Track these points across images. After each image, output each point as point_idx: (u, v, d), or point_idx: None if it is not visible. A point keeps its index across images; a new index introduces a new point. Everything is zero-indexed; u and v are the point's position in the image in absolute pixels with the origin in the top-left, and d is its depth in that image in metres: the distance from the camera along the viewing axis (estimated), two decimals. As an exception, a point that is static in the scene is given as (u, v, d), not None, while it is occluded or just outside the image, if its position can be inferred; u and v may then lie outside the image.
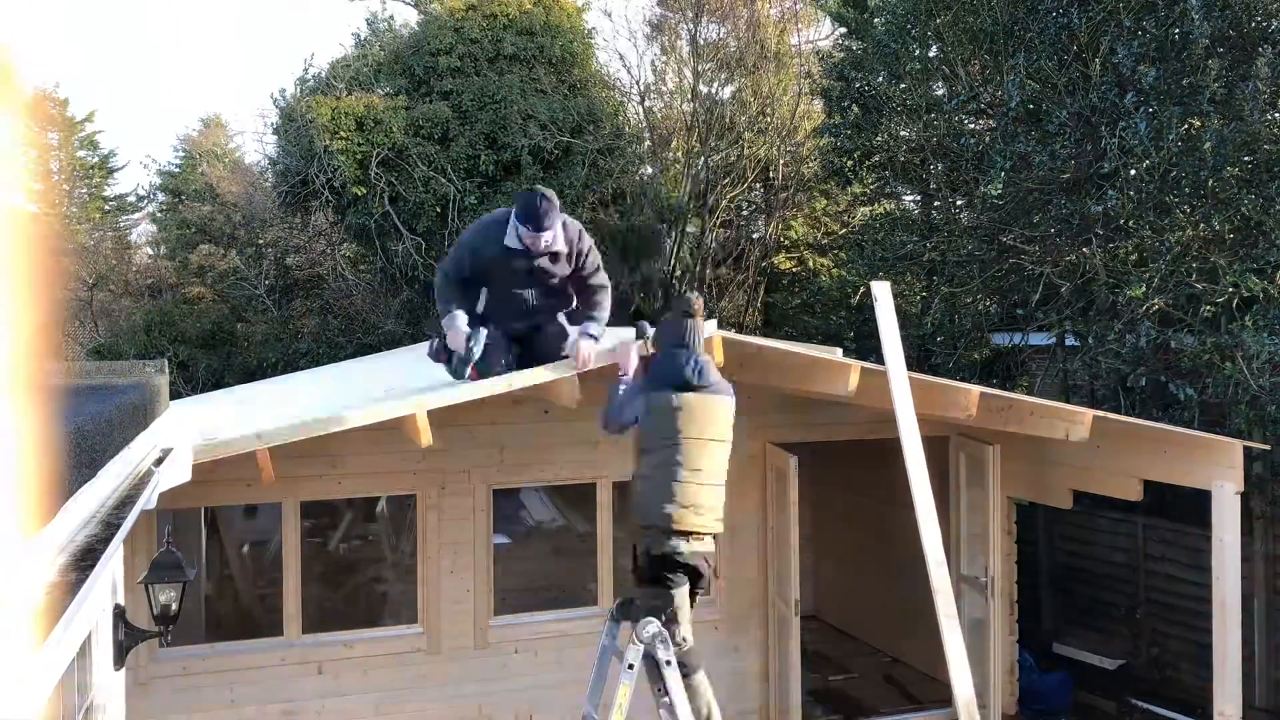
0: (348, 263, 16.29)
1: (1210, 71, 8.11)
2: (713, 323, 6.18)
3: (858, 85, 11.65)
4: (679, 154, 15.97)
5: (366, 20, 16.32)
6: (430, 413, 5.71)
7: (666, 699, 5.18)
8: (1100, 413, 6.79)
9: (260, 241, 18.66)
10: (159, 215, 28.04)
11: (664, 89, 16.79)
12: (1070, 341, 10.37)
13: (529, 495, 8.46)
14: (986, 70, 9.93)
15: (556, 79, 14.68)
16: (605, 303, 6.30)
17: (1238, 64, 8.48)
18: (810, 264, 15.86)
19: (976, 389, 6.59)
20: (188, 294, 18.62)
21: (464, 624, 7.41)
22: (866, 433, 8.31)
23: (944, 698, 8.74)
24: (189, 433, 5.30)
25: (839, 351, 7.03)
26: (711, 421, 5.53)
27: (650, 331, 5.98)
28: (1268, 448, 7.26)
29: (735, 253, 16.02)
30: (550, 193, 6.09)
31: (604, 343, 6.16)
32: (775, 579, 8.06)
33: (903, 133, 11.05)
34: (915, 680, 9.29)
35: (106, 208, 31.77)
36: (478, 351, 6.03)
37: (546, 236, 6.01)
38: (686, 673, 5.30)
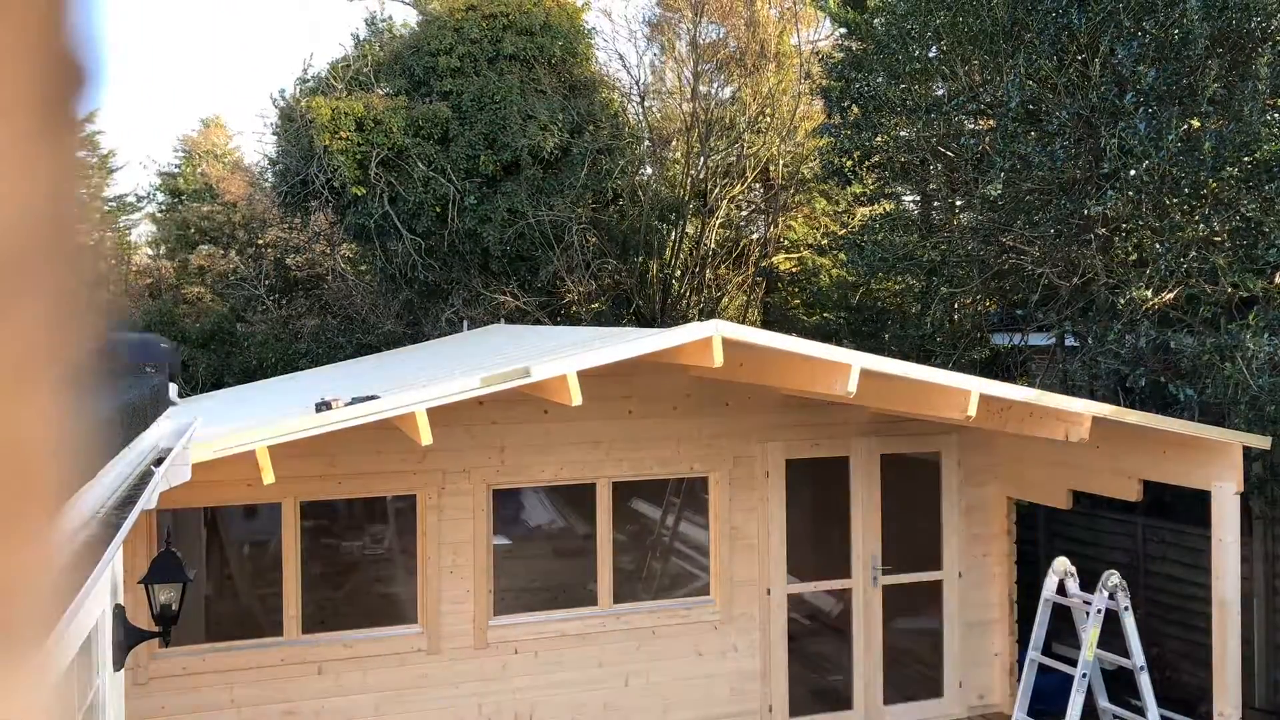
0: (347, 263, 16.29)
1: (1210, 71, 8.11)
2: (714, 322, 6.19)
3: (858, 85, 11.65)
4: (679, 154, 15.97)
5: (366, 20, 16.33)
6: (430, 411, 5.72)
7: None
8: (1099, 413, 6.78)
9: (260, 241, 18.67)
10: (159, 215, 28.02)
11: (663, 89, 16.80)
12: (1070, 341, 10.38)
13: (528, 498, 8.46)
14: (986, 70, 9.93)
15: (556, 79, 14.68)
16: None
17: (1237, 64, 8.49)
18: (810, 263, 15.86)
19: (976, 390, 6.59)
20: (187, 294, 18.62)
21: (464, 624, 7.42)
22: (866, 432, 8.33)
23: (938, 692, 8.76)
24: (189, 433, 5.30)
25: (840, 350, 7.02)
26: None
27: None
28: (1267, 447, 7.26)
29: (735, 253, 16.02)
30: None
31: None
32: (775, 578, 8.06)
33: (902, 133, 11.05)
34: (914, 677, 9.29)
35: (106, 208, 31.76)
36: None
37: None
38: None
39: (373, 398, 5.83)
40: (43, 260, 0.35)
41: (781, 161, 15.44)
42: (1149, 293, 8.53)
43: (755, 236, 16.46)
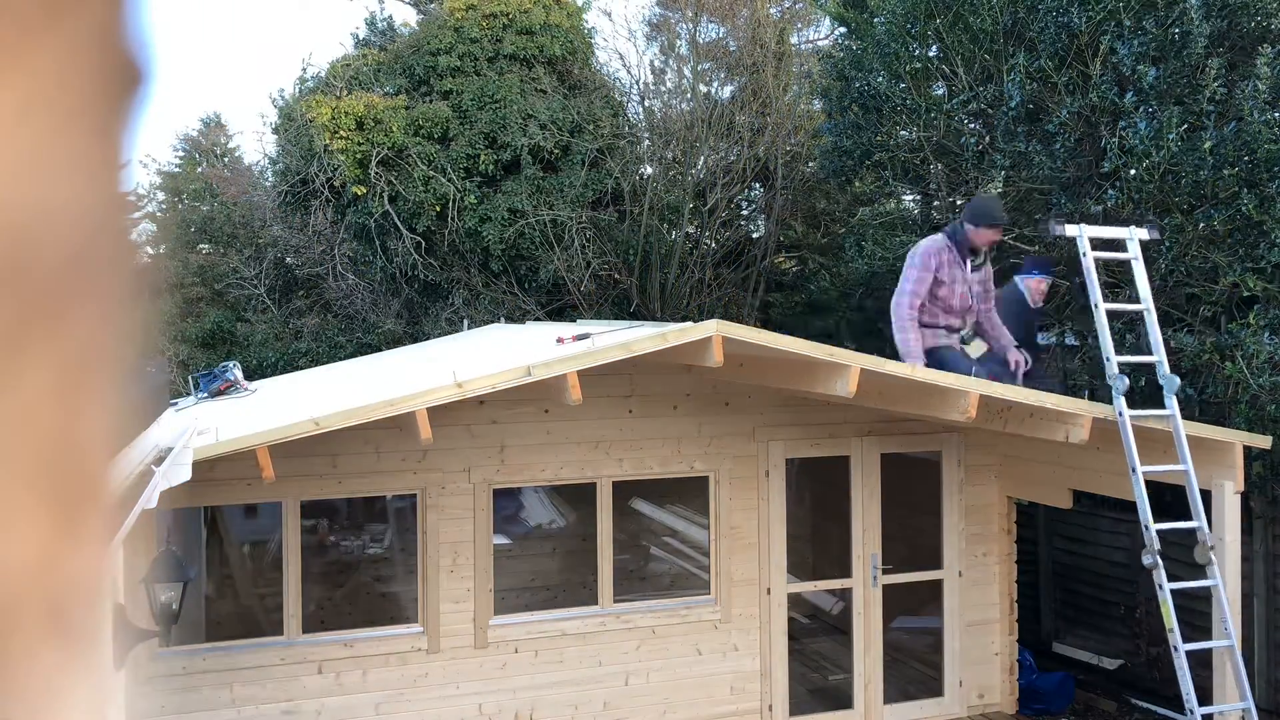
0: (348, 262, 16.29)
1: (1210, 71, 8.12)
2: (714, 322, 6.19)
3: (858, 85, 11.65)
4: (679, 154, 15.97)
5: (366, 20, 16.34)
6: (430, 411, 5.72)
7: None
8: (1099, 413, 6.78)
9: (260, 241, 18.66)
10: (159, 215, 28.02)
11: (664, 89, 16.79)
12: (1070, 341, 10.38)
13: (528, 497, 8.47)
14: (987, 70, 9.93)
15: (556, 79, 14.69)
16: None
17: (1237, 63, 8.49)
18: (810, 264, 15.86)
19: (976, 390, 6.59)
20: (188, 294, 18.61)
21: (464, 623, 7.42)
22: (866, 432, 8.33)
23: (939, 691, 8.76)
24: (189, 432, 5.30)
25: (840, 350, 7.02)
26: None
27: None
28: (1268, 447, 7.26)
29: (735, 252, 16.01)
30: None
31: None
32: (775, 577, 8.06)
33: (903, 133, 11.05)
34: (914, 677, 9.29)
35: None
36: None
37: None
38: None
39: (586, 336, 6.41)
40: (99, 260, 0.35)
41: (781, 161, 15.43)
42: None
43: (755, 236, 16.45)
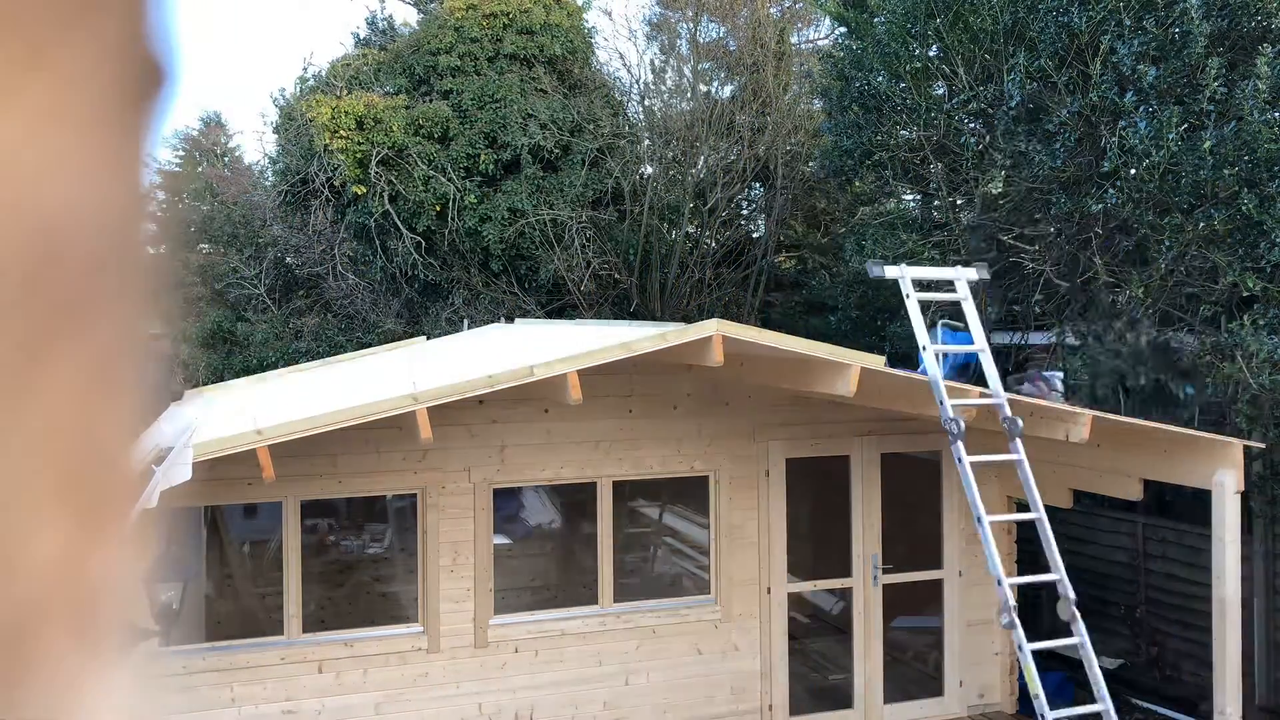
0: (348, 262, 16.29)
1: (1210, 70, 8.12)
2: (714, 322, 6.19)
3: (858, 85, 11.65)
4: (679, 153, 15.97)
5: (366, 20, 16.35)
6: (430, 411, 5.72)
7: None
8: (1100, 413, 6.78)
9: (260, 241, 18.66)
10: (158, 215, 27.98)
11: (664, 88, 16.79)
12: (1070, 341, 10.39)
13: (528, 497, 8.47)
14: (987, 69, 9.93)
15: (556, 78, 14.69)
16: None
17: (1237, 63, 8.49)
18: (810, 263, 15.86)
19: (976, 390, 6.60)
20: (188, 294, 18.60)
21: (464, 623, 7.42)
22: (866, 432, 8.33)
23: (939, 691, 8.77)
24: (189, 432, 5.30)
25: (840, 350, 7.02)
26: None
27: None
28: (1264, 447, 7.27)
29: (735, 252, 16.02)
30: None
31: None
32: (775, 577, 8.06)
33: (903, 132, 11.05)
34: (914, 677, 9.30)
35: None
36: None
37: None
38: None
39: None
40: (124, 261, 0.35)
41: (781, 161, 15.43)
42: (1149, 292, 8.54)
43: (755, 236, 16.45)
